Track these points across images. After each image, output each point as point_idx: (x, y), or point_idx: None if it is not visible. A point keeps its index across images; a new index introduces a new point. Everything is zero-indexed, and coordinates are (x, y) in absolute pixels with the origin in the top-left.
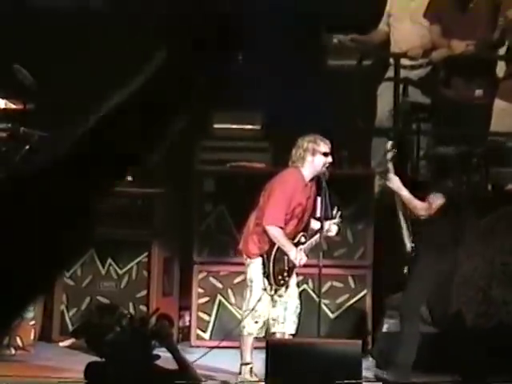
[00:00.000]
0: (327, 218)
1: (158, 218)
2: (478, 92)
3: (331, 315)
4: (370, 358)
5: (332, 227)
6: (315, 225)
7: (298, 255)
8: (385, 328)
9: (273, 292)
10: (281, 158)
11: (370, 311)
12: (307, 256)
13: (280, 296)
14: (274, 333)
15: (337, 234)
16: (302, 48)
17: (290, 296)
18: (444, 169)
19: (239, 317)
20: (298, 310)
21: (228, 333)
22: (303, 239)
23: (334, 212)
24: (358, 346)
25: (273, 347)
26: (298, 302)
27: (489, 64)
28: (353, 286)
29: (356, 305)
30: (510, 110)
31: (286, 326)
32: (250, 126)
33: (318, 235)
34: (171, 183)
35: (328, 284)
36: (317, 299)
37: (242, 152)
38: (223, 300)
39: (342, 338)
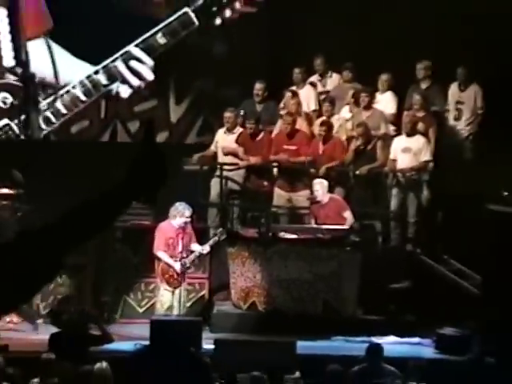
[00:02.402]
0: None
1: None
2: (265, 183)
3: (187, 304)
4: (207, 327)
5: (206, 247)
6: (195, 247)
7: (177, 266)
8: (215, 311)
9: (171, 289)
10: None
11: (207, 302)
12: (189, 267)
13: (174, 293)
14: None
15: (208, 253)
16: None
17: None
18: (249, 224)
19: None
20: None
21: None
22: (182, 259)
23: (215, 236)
24: (200, 320)
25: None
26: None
27: (270, 169)
28: (198, 288)
29: (200, 299)
30: (284, 194)
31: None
32: None
33: (195, 254)
34: None
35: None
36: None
37: (137, 216)
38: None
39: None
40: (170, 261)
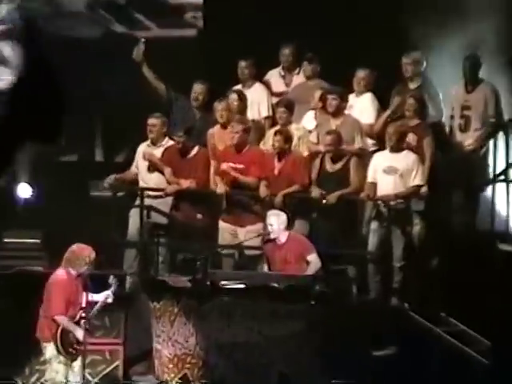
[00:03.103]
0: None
1: None
2: (199, 215)
3: (93, 380)
4: None
5: (109, 296)
6: (97, 297)
7: (80, 332)
8: None
9: (69, 362)
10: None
11: (122, 377)
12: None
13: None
14: None
15: (113, 299)
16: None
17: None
18: (179, 269)
19: None
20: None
21: None
22: (84, 315)
23: (111, 281)
24: None
25: None
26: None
27: (208, 196)
28: (109, 358)
29: (111, 372)
30: (229, 229)
31: None
32: (31, 240)
33: (99, 304)
34: None
35: (90, 357)
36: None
37: (25, 259)
38: None
39: None
40: (72, 326)
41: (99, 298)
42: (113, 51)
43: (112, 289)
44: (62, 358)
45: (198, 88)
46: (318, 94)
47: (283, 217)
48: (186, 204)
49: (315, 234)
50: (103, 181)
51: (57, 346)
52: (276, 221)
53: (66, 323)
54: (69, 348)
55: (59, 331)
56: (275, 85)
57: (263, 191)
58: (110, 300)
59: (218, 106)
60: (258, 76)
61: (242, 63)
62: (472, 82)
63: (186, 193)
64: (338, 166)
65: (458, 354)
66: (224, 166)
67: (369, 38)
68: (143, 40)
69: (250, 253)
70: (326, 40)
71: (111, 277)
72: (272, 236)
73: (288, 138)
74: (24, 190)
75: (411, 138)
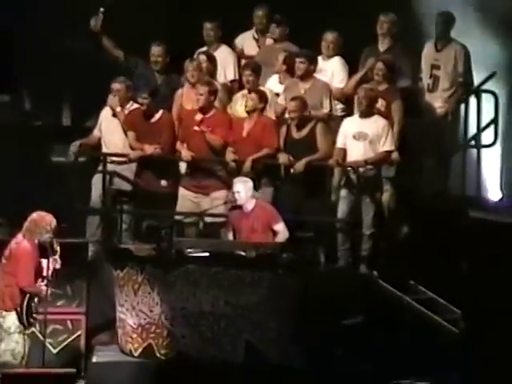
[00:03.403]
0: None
1: None
2: (164, 182)
3: (54, 351)
4: (83, 382)
5: (57, 262)
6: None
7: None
8: (94, 359)
9: (27, 331)
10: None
11: (84, 347)
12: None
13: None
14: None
15: (60, 265)
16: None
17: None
18: (144, 237)
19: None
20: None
21: None
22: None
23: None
24: (73, 373)
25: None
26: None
27: (173, 162)
28: (70, 327)
29: (73, 342)
30: (191, 197)
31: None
32: None
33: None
34: None
35: (51, 327)
36: (42, 338)
37: None
38: None
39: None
40: (38, 289)
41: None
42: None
43: (57, 256)
44: (22, 328)
45: (155, 50)
46: (281, 56)
47: (250, 184)
48: (150, 170)
49: (282, 201)
50: (68, 146)
51: (20, 316)
52: (243, 188)
53: (33, 289)
54: (30, 318)
55: (26, 300)
56: (248, 48)
57: (229, 156)
58: (58, 265)
59: (189, 66)
60: (224, 38)
61: (208, 25)
62: (442, 40)
63: (149, 159)
64: (304, 132)
65: (428, 322)
66: (188, 129)
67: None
68: (101, 10)
69: (213, 220)
70: (295, 2)
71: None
72: (238, 202)
73: (263, 98)
74: None
75: (380, 103)
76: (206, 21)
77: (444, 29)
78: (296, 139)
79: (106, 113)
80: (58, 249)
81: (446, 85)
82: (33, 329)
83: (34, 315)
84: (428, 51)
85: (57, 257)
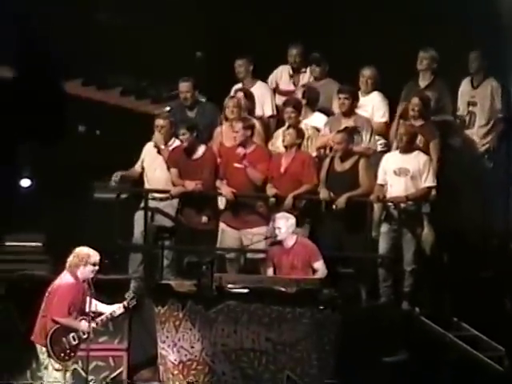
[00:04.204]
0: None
1: None
2: (205, 219)
3: None
4: None
5: (115, 312)
6: (103, 308)
7: (84, 324)
8: None
9: (65, 367)
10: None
11: (126, 383)
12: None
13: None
14: None
15: (122, 314)
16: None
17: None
18: (185, 273)
19: None
20: None
21: None
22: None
23: (127, 296)
24: None
25: None
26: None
27: (213, 199)
28: (112, 364)
29: (115, 379)
30: (232, 233)
31: None
32: (33, 244)
33: (106, 314)
34: None
35: (94, 363)
36: (84, 375)
37: (26, 263)
38: None
39: None
40: (73, 323)
41: (103, 308)
42: None
43: (125, 303)
44: (56, 365)
45: (183, 86)
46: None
47: (292, 220)
48: (192, 207)
49: (323, 237)
50: (107, 182)
51: (47, 349)
52: (284, 224)
53: (65, 321)
54: (60, 353)
55: (50, 333)
56: (284, 83)
57: (270, 191)
58: (118, 312)
59: (229, 102)
60: (257, 75)
61: (239, 61)
62: (478, 76)
63: (191, 195)
64: (347, 165)
65: (471, 360)
66: (229, 166)
67: (374, 34)
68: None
69: (254, 256)
70: (331, 39)
71: (128, 293)
72: (278, 239)
73: (300, 134)
74: (25, 187)
75: (418, 138)
76: (237, 58)
77: (479, 66)
78: (339, 172)
79: (149, 149)
80: (129, 299)
81: (482, 121)
82: (75, 365)
83: (67, 351)
84: (464, 88)
85: (121, 305)
